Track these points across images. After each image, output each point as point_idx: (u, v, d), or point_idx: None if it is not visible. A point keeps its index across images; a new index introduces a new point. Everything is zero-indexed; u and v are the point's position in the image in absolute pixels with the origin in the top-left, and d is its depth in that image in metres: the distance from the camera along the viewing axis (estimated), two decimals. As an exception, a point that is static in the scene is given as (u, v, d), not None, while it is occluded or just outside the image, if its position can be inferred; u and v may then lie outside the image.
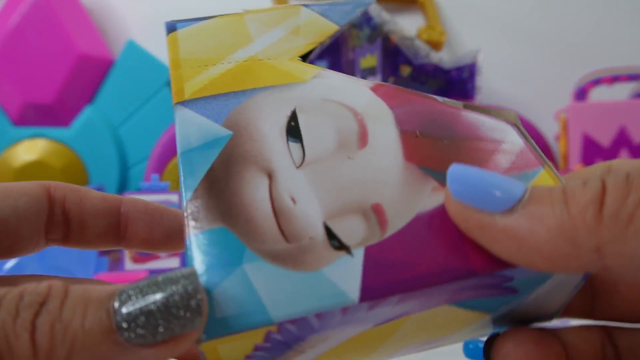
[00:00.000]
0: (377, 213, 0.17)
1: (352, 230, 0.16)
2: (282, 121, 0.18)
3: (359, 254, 0.16)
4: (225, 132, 0.18)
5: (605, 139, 0.61)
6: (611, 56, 0.74)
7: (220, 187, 0.17)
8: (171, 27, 0.21)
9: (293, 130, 0.18)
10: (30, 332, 0.12)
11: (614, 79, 0.64)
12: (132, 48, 0.68)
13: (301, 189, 0.17)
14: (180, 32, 0.20)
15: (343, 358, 0.18)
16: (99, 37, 0.71)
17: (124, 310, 0.13)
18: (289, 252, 0.16)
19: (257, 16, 0.21)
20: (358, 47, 0.63)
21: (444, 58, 0.66)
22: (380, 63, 0.63)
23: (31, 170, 0.63)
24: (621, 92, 0.67)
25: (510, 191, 0.15)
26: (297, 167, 0.18)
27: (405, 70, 0.65)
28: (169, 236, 0.20)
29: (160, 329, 0.13)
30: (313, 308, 0.15)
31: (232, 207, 0.17)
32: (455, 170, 0.16)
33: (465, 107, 0.20)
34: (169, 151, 0.56)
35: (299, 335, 0.16)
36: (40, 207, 0.19)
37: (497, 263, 0.16)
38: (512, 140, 0.19)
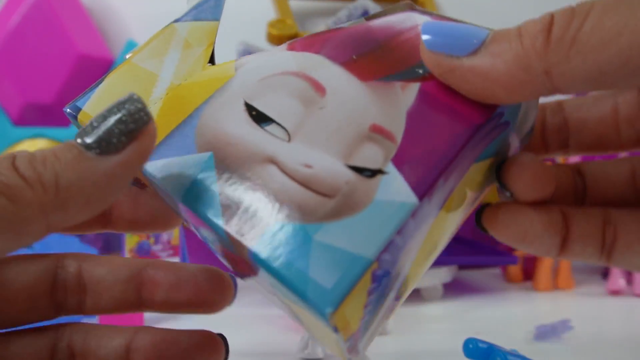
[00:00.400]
0: (378, 131, 0.18)
1: (371, 156, 0.18)
2: (243, 116, 0.19)
3: (391, 169, 0.18)
4: (205, 155, 0.18)
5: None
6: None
7: (241, 199, 0.17)
8: (75, 109, 0.20)
9: (259, 117, 0.19)
10: (14, 169, 0.15)
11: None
12: (132, 48, 0.68)
13: (306, 154, 0.18)
14: (87, 107, 0.20)
15: (425, 260, 0.19)
16: (99, 37, 0.71)
17: (87, 140, 0.16)
18: (339, 204, 0.17)
19: (143, 54, 0.21)
20: (358, 47, 0.63)
21: (444, 58, 0.66)
22: (380, 63, 0.63)
23: (31, 170, 0.63)
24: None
25: (475, 35, 0.17)
26: (288, 142, 0.18)
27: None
28: (154, 216, 0.21)
29: (121, 137, 0.16)
30: (392, 229, 0.16)
31: (265, 204, 0.17)
32: (427, 24, 0.18)
33: (367, 19, 0.21)
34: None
35: (393, 260, 0.17)
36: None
37: (489, 108, 0.18)
38: (422, 19, 0.21)
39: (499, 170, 0.20)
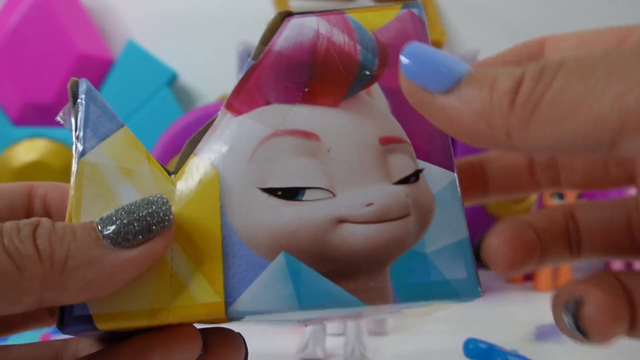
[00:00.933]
0: (389, 142, 0.19)
1: (403, 164, 0.19)
2: (274, 202, 0.18)
3: (422, 163, 0.19)
4: (281, 258, 0.18)
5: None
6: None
7: (349, 268, 0.18)
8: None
9: (289, 193, 0.18)
10: (32, 239, 0.15)
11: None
12: (132, 48, 0.68)
13: (359, 196, 0.19)
14: None
15: None
16: (98, 37, 0.71)
17: (106, 229, 0.16)
18: (418, 216, 0.19)
19: (88, 213, 0.18)
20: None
21: (443, 58, 0.66)
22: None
23: (31, 170, 0.63)
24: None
25: (453, 71, 0.17)
26: (335, 195, 0.19)
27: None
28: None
29: (139, 235, 0.16)
30: (459, 205, 0.19)
31: (367, 259, 0.18)
32: (409, 48, 0.18)
33: (262, 44, 0.21)
34: (169, 151, 0.56)
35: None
36: (16, 204, 0.20)
37: None
38: (310, 22, 0.21)
39: (477, 250, 0.20)
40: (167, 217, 0.16)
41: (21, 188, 0.20)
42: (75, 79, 0.19)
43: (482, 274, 0.20)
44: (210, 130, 0.19)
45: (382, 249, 0.18)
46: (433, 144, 0.19)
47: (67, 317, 0.17)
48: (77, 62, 0.65)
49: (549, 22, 0.76)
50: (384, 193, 0.19)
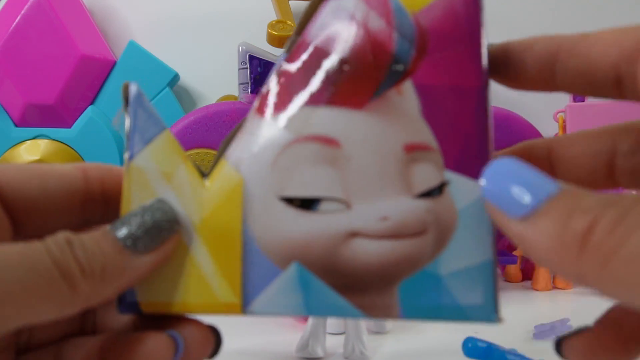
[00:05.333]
0: (413, 149, 0.18)
1: (427, 175, 0.18)
2: (291, 212, 0.18)
3: (450, 175, 0.18)
4: (292, 268, 0.18)
5: (603, 139, 0.61)
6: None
7: (357, 284, 0.18)
8: (133, 304, 0.20)
9: (306, 204, 0.18)
10: (76, 260, 0.16)
11: (613, 80, 0.64)
12: (134, 49, 0.69)
13: (375, 209, 0.18)
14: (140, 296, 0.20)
15: None
16: (100, 37, 0.72)
17: (126, 239, 0.18)
18: (436, 234, 0.17)
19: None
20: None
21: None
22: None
23: (33, 171, 0.63)
24: (620, 92, 0.67)
25: (534, 195, 0.15)
26: (350, 208, 0.18)
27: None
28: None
29: (155, 240, 0.18)
30: (488, 223, 0.17)
31: (379, 275, 0.18)
32: (491, 167, 0.16)
33: (298, 33, 0.19)
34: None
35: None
36: (74, 188, 0.20)
37: (478, 67, 0.18)
38: (345, 7, 0.19)
39: (559, 344, 0.19)
40: (175, 221, 0.18)
41: (76, 171, 0.20)
42: (127, 82, 0.19)
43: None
44: (240, 132, 0.19)
45: (393, 266, 0.17)
46: (468, 151, 0.18)
47: (122, 302, 0.19)
48: (79, 63, 0.65)
49: (548, 23, 0.76)
50: (401, 207, 0.17)
